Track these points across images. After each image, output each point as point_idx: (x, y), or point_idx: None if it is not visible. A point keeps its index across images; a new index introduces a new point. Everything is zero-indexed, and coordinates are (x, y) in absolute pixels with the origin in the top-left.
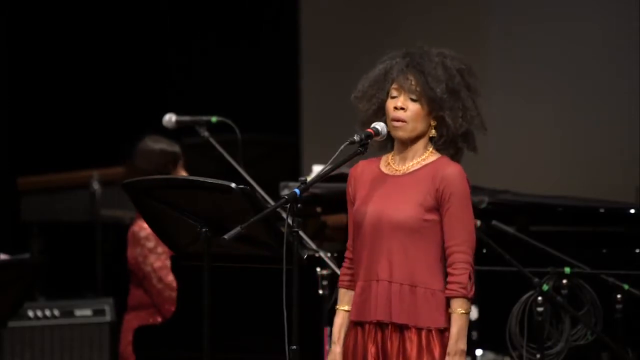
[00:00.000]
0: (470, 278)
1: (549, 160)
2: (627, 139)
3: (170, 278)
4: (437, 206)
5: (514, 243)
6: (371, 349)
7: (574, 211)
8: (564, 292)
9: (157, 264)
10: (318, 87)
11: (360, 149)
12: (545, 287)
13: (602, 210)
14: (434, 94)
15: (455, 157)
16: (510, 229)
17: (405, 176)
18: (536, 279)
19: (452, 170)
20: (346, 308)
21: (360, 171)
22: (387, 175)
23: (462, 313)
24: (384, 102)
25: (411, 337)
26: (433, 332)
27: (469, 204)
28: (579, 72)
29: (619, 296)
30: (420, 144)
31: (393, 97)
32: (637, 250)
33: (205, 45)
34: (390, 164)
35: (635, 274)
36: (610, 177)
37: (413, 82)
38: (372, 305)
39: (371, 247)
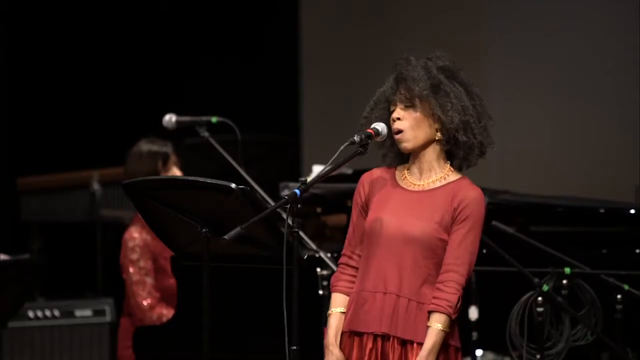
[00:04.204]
0: (459, 301)
1: (549, 160)
2: (627, 139)
3: (142, 297)
4: (451, 225)
5: (514, 243)
6: None
7: (574, 211)
8: (564, 292)
9: (135, 278)
10: (318, 87)
11: (361, 149)
12: (545, 288)
13: (602, 210)
14: (415, 92)
15: (469, 158)
16: (510, 229)
17: (424, 192)
18: (536, 279)
19: (473, 194)
20: (343, 310)
21: (376, 178)
22: (404, 189)
23: (441, 330)
24: (387, 121)
25: (414, 352)
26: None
27: (480, 232)
28: (579, 71)
29: (619, 296)
30: (432, 152)
31: (392, 112)
32: (637, 250)
33: (206, 45)
34: (407, 178)
35: (635, 274)
36: (610, 177)
37: (402, 92)
38: (377, 317)
39: (382, 259)
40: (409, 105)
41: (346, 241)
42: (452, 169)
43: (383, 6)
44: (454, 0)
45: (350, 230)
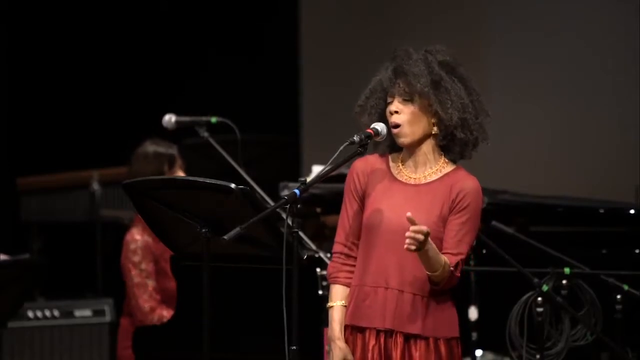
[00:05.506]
0: (458, 267)
1: (549, 160)
2: (627, 139)
3: (143, 299)
4: (449, 215)
5: (513, 243)
6: (374, 356)
7: (574, 211)
8: (564, 292)
9: (137, 280)
10: (318, 88)
11: (360, 149)
12: (545, 288)
13: (602, 211)
14: (416, 88)
15: (463, 153)
16: (510, 229)
17: (421, 186)
18: (536, 280)
19: (471, 184)
20: (345, 303)
21: (371, 168)
22: (401, 182)
23: (446, 267)
24: (383, 111)
25: (417, 347)
26: (441, 340)
27: (478, 222)
28: (579, 71)
29: (618, 296)
30: (428, 145)
31: (389, 104)
32: (637, 251)
33: (206, 45)
34: (402, 171)
35: (635, 274)
36: (610, 177)
37: (401, 85)
38: (379, 312)
39: (381, 253)
40: (408, 99)
41: (340, 230)
42: (446, 161)
43: (383, 6)
44: (454, 0)
45: (345, 218)
